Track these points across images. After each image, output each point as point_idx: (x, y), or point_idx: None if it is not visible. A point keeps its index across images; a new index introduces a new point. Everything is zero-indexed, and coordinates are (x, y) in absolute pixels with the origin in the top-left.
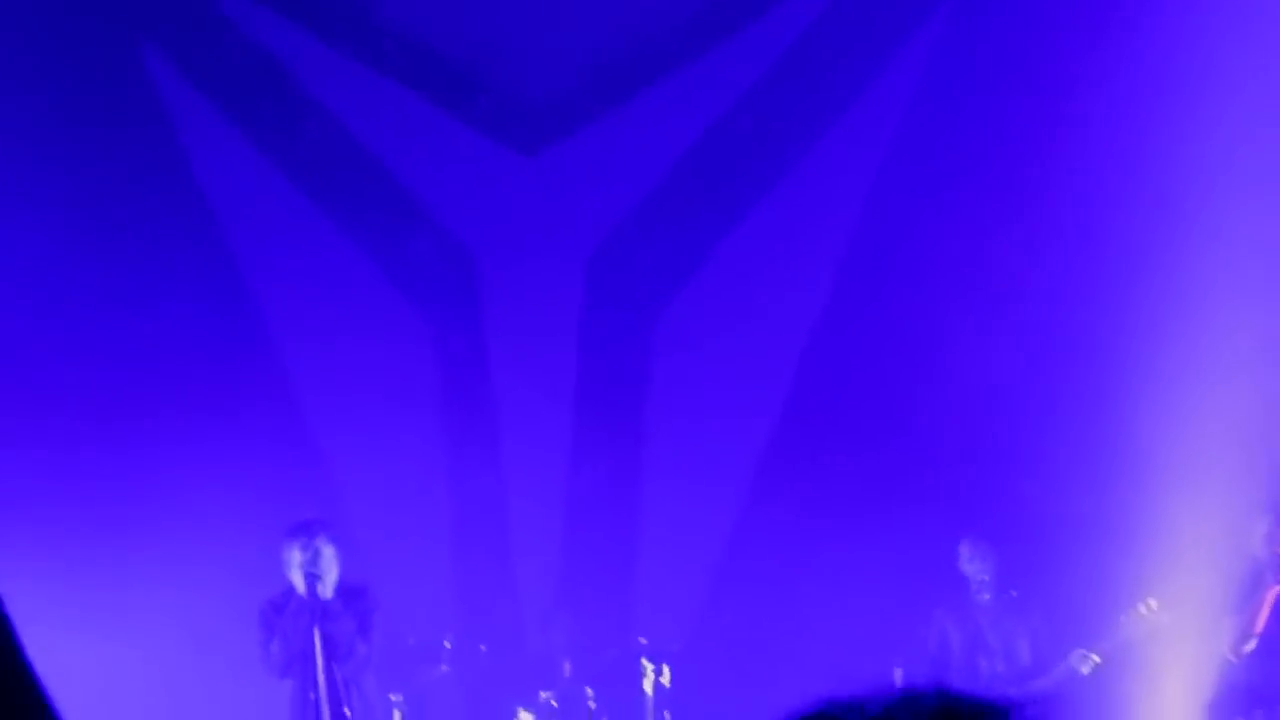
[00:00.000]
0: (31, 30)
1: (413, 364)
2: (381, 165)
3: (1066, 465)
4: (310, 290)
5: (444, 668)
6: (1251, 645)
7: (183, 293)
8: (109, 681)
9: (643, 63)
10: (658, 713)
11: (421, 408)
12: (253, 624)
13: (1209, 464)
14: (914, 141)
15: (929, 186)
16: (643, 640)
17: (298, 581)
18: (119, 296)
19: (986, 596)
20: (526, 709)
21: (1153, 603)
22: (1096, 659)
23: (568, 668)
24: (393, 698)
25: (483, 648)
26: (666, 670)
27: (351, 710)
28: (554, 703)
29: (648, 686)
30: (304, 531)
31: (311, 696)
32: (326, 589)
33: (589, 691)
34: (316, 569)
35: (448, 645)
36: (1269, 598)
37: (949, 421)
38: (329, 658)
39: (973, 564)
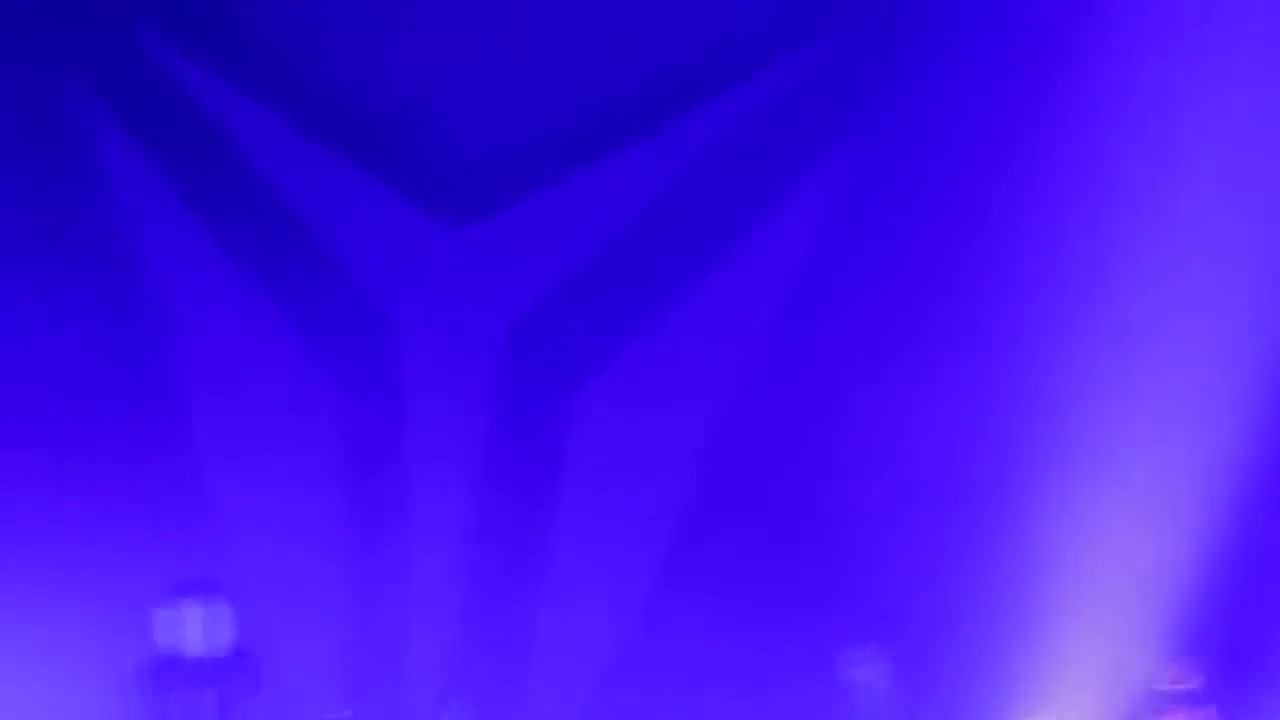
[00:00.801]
0: None
1: (322, 427)
2: (302, 222)
3: (966, 576)
4: (222, 343)
5: None
6: None
7: (91, 335)
8: None
9: (579, 139)
10: None
11: (327, 472)
12: (139, 683)
13: (1107, 590)
14: (840, 240)
15: (854, 283)
16: None
17: (188, 641)
18: (25, 329)
19: (876, 703)
20: None
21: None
22: None
23: None
24: None
25: None
26: None
27: None
28: None
29: None
30: (192, 592)
31: None
32: (218, 650)
33: None
34: (209, 630)
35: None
36: None
37: (853, 522)
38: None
39: (862, 671)
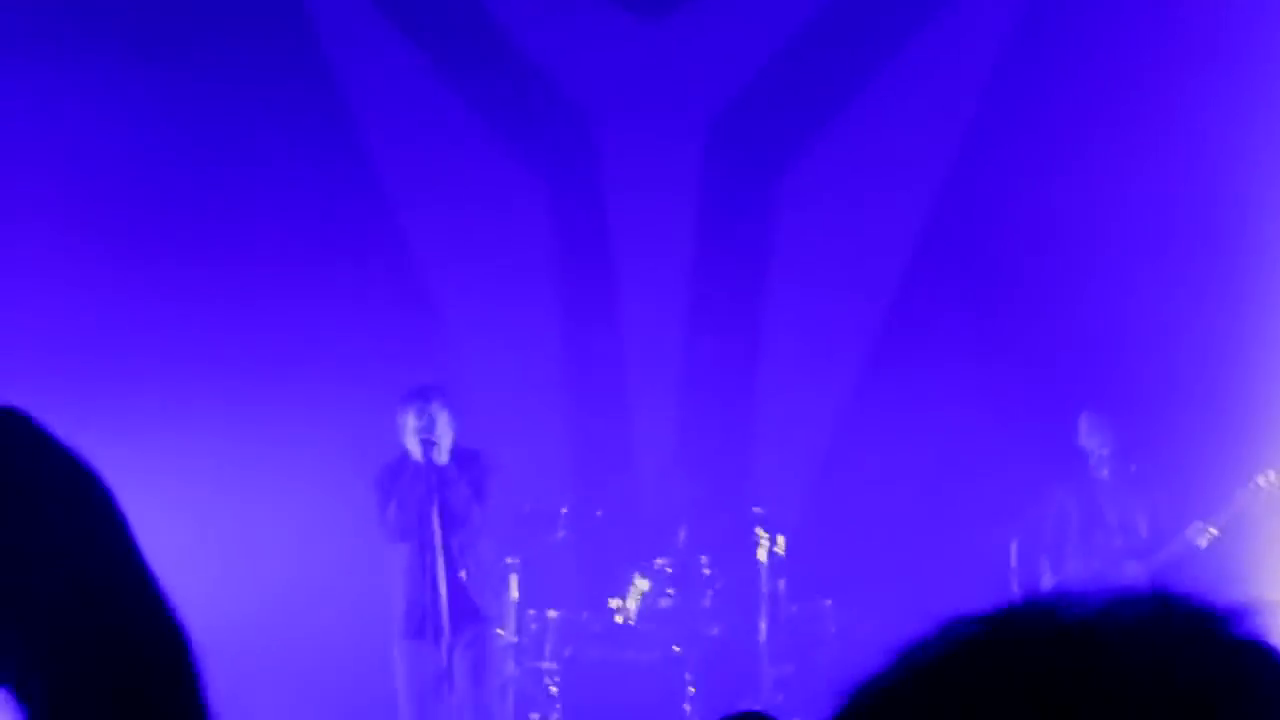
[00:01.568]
0: None
1: (530, 227)
2: (501, 25)
3: (1188, 337)
4: (428, 152)
5: (560, 533)
6: None
7: (299, 151)
8: (224, 542)
9: None
10: (772, 581)
11: (538, 271)
12: (369, 489)
13: None
14: (1048, 9)
15: (1062, 55)
16: (758, 509)
17: (413, 447)
18: (236, 154)
19: (1105, 471)
20: (642, 575)
21: (1272, 475)
22: (1215, 532)
23: (683, 535)
24: (508, 561)
25: (599, 513)
26: (781, 539)
27: (467, 571)
28: (669, 569)
29: (762, 555)
30: (420, 396)
31: (428, 561)
32: (442, 454)
33: (703, 559)
34: (432, 435)
35: (564, 511)
36: None
37: (1071, 294)
38: (445, 523)
39: (1092, 438)
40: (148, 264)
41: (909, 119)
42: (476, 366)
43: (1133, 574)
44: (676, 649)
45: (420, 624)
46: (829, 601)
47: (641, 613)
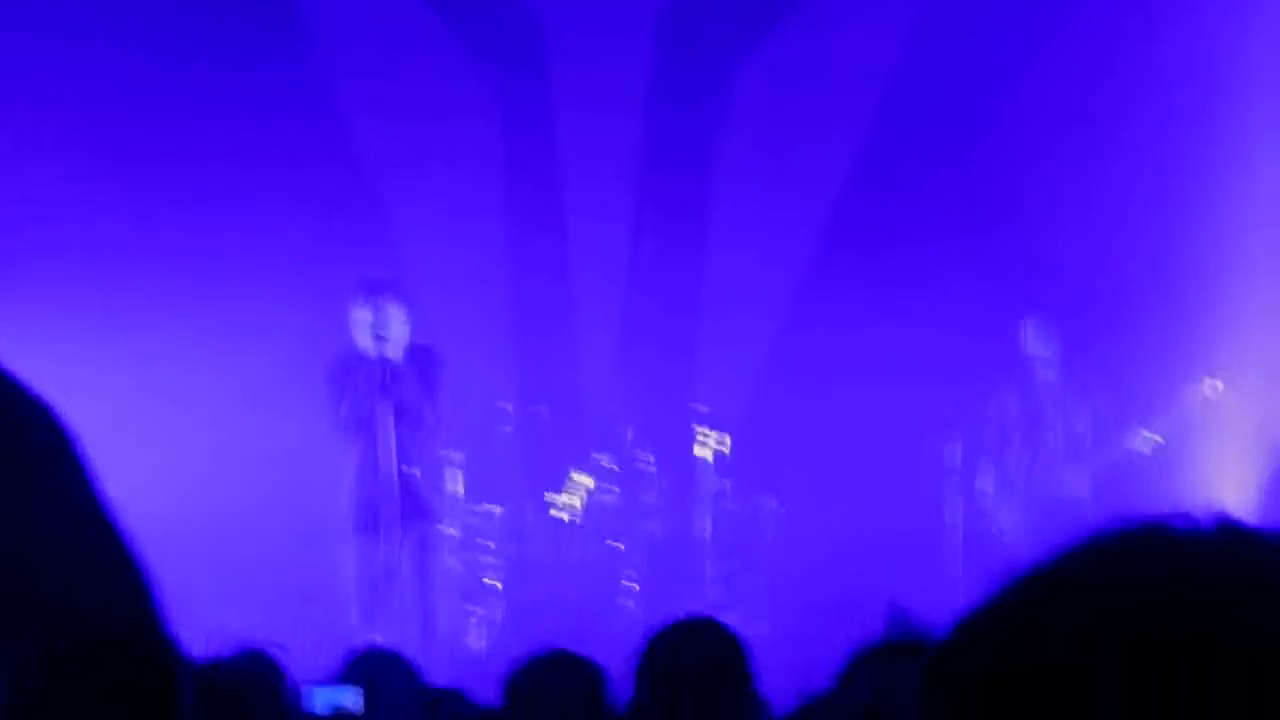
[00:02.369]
0: None
1: (478, 127)
2: None
3: (1133, 244)
4: (375, 51)
5: (505, 429)
6: None
7: (248, 54)
8: (175, 438)
9: None
10: (715, 479)
11: (486, 171)
12: (321, 384)
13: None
14: None
15: None
16: (703, 408)
17: (366, 342)
18: (184, 57)
19: (1049, 375)
20: (586, 472)
21: (1216, 382)
22: (1157, 438)
23: (629, 433)
24: (453, 456)
25: (543, 410)
26: (726, 438)
27: (417, 468)
28: (614, 467)
29: (707, 454)
30: (373, 292)
31: (380, 457)
32: (395, 349)
33: (649, 457)
34: (385, 330)
35: (508, 407)
36: None
37: (1015, 197)
38: (397, 418)
39: (1036, 343)
40: (99, 165)
41: (861, 17)
42: (425, 266)
43: (1074, 477)
44: (619, 545)
45: (370, 519)
46: (771, 500)
47: (584, 509)
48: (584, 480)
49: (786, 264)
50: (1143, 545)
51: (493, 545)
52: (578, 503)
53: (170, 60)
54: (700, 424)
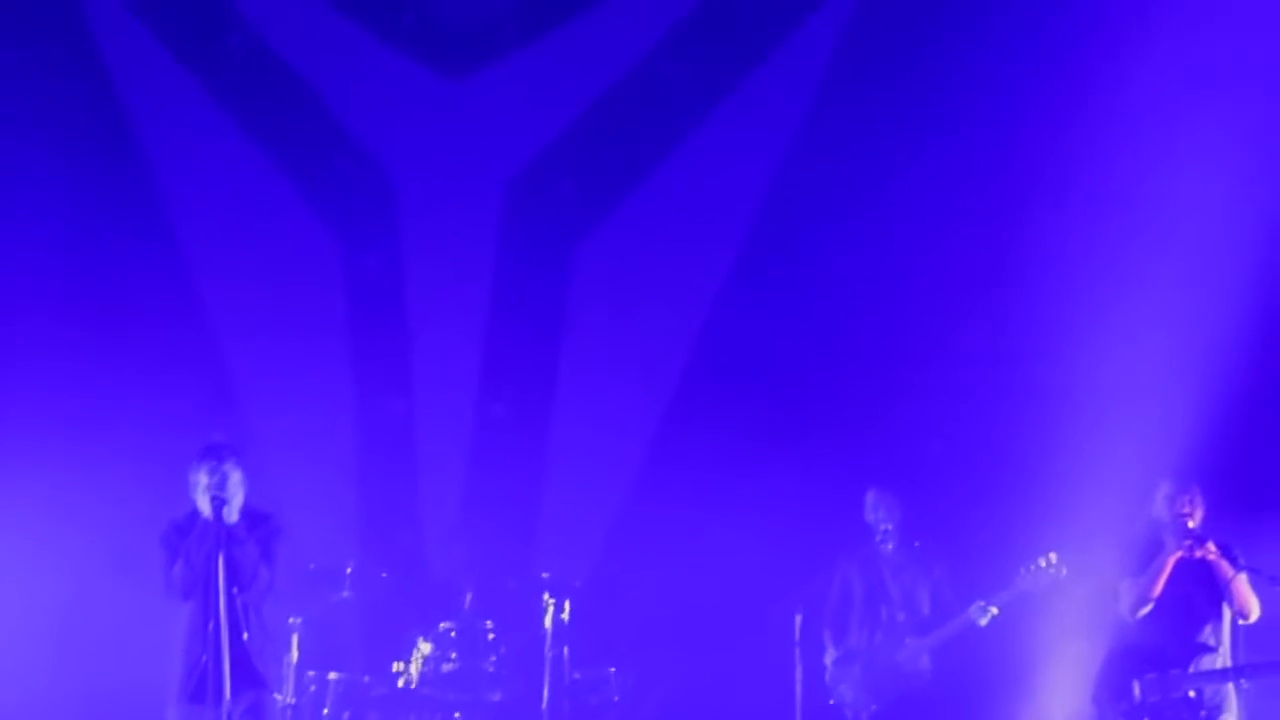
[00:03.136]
0: None
1: (326, 284)
2: (302, 81)
3: (974, 418)
4: (225, 204)
5: (345, 593)
6: (1148, 608)
7: (91, 202)
8: (4, 599)
9: None
10: (556, 647)
11: (333, 329)
12: (155, 545)
13: (1115, 424)
14: (839, 88)
15: (855, 131)
16: (545, 574)
17: (203, 505)
18: (29, 202)
19: (889, 546)
20: (426, 638)
21: (1053, 557)
22: (995, 611)
23: (469, 598)
24: (291, 621)
25: (384, 574)
26: (567, 605)
27: (250, 634)
28: (453, 633)
29: (548, 621)
30: (211, 455)
31: (210, 620)
32: (232, 513)
33: (488, 624)
34: (223, 493)
35: (349, 571)
36: (1168, 562)
37: (859, 371)
38: (230, 582)
39: (877, 513)
40: None
41: (707, 192)
42: (267, 422)
43: (914, 649)
44: (458, 715)
45: (199, 687)
46: (612, 669)
47: (424, 676)
48: (425, 647)
49: (631, 431)
50: None
51: (328, 712)
52: (417, 670)
53: (17, 212)
54: (543, 590)
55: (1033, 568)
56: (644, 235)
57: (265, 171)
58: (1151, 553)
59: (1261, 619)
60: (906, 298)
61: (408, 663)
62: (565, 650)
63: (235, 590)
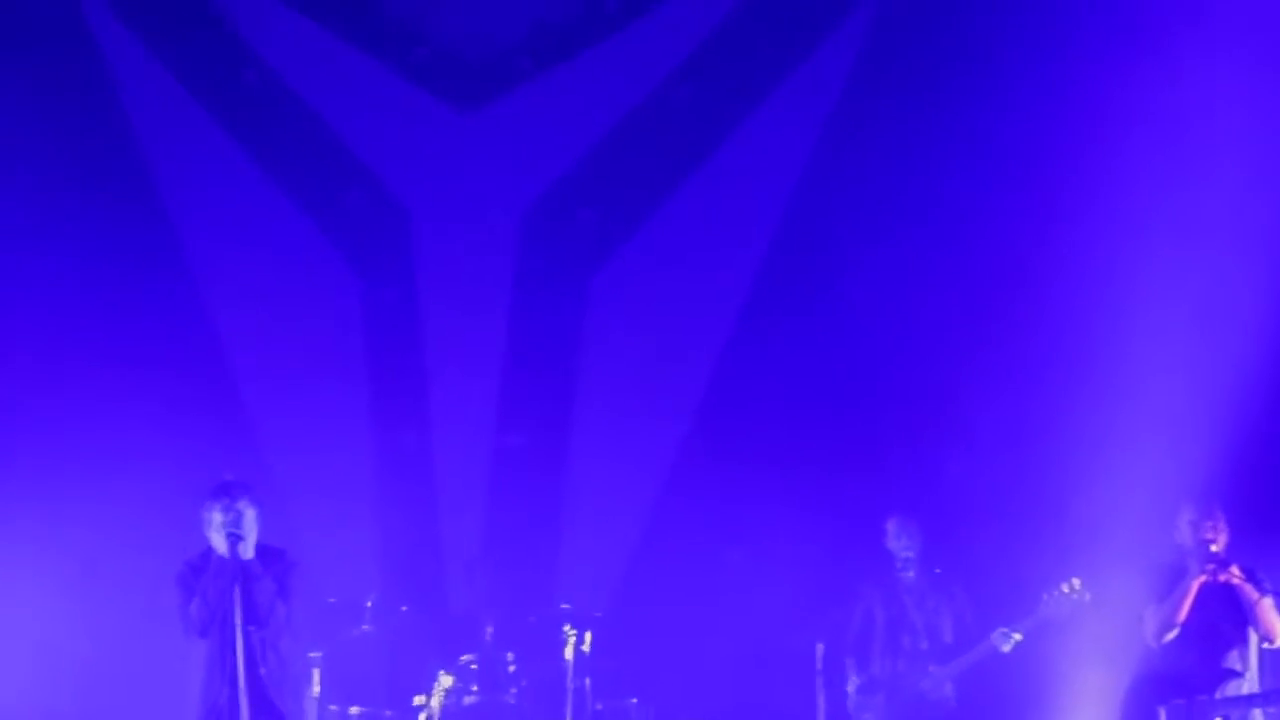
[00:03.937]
0: None
1: (342, 318)
2: (317, 116)
3: (995, 444)
4: (240, 240)
5: (365, 627)
6: (1174, 634)
7: (109, 238)
8: (21, 637)
9: (585, 23)
10: (578, 678)
11: (349, 363)
12: (171, 584)
13: (1138, 449)
14: (853, 115)
15: (871, 153)
16: (565, 606)
17: (218, 543)
18: (41, 238)
19: (911, 574)
20: (447, 671)
21: (1076, 583)
22: (1018, 637)
23: (489, 631)
24: (312, 655)
25: (404, 608)
26: (588, 636)
27: (267, 669)
28: (474, 666)
29: (568, 652)
30: (226, 493)
31: (228, 659)
32: (247, 550)
33: (509, 655)
34: (238, 530)
35: (369, 605)
36: (1193, 587)
37: (880, 398)
38: (247, 619)
39: (899, 540)
40: None
41: (721, 220)
42: (284, 456)
43: (937, 677)
44: None
45: None
46: (634, 700)
47: (446, 709)
48: (446, 680)
49: (650, 460)
50: None
51: None
52: (438, 703)
53: (36, 252)
54: (564, 622)
55: (1056, 594)
56: (661, 263)
57: (281, 206)
58: (1175, 578)
59: None
60: (926, 323)
61: (429, 696)
62: (587, 681)
63: (252, 627)
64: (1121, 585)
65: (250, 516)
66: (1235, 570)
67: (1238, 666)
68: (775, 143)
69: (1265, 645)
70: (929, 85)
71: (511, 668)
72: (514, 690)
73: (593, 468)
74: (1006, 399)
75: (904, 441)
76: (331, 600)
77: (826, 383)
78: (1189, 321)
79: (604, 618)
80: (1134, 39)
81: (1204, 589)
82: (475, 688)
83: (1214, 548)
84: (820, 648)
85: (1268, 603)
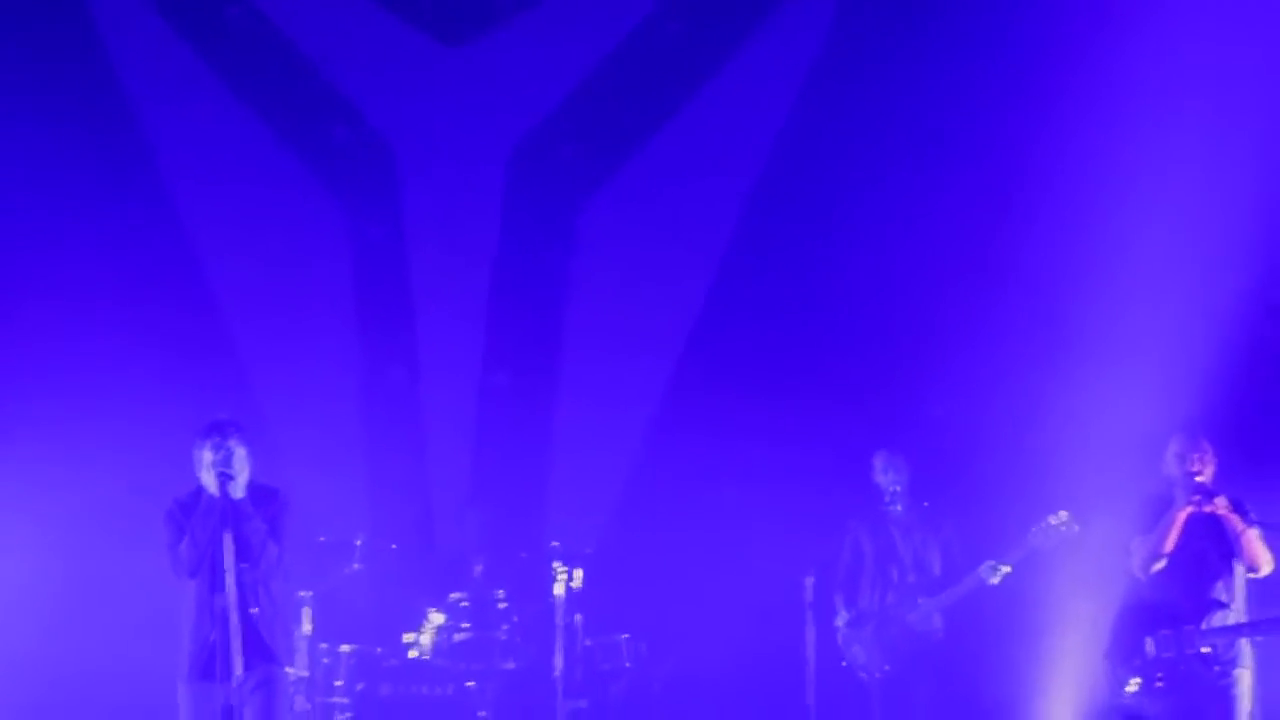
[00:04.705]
0: None
1: (329, 256)
2: (301, 52)
3: (982, 378)
4: (226, 179)
5: (355, 566)
6: (1160, 564)
7: (92, 178)
8: (9, 577)
9: None
10: (568, 615)
11: (337, 301)
12: (160, 522)
13: (1125, 380)
14: (841, 50)
15: (858, 91)
16: (555, 543)
17: (209, 482)
18: (29, 180)
19: (899, 507)
20: (437, 609)
21: (1063, 515)
22: (1006, 569)
23: (479, 569)
24: (302, 594)
25: (394, 546)
26: (578, 573)
27: (259, 609)
28: (465, 603)
29: (559, 589)
30: (216, 431)
31: (218, 598)
32: (238, 489)
33: (499, 593)
34: (229, 469)
35: (359, 544)
36: (1179, 518)
37: (868, 332)
38: (239, 558)
39: (886, 475)
40: None
41: (708, 157)
42: (273, 397)
43: (926, 609)
44: (471, 684)
45: (208, 664)
46: (625, 636)
47: (436, 647)
48: (436, 617)
49: (639, 397)
50: None
51: (342, 684)
52: (429, 640)
53: (22, 193)
54: (554, 559)
55: (1043, 525)
56: (648, 200)
57: (266, 144)
58: (1162, 509)
59: (1273, 573)
60: (912, 259)
61: (420, 633)
62: (577, 618)
63: (243, 566)
64: (1108, 516)
65: (241, 455)
66: (1222, 501)
67: (1224, 597)
68: (762, 78)
69: (1250, 575)
70: (919, 20)
71: (502, 605)
72: (505, 627)
73: (581, 405)
74: (993, 332)
75: (892, 375)
76: (321, 539)
77: (814, 318)
78: (1175, 250)
79: (594, 554)
80: None
81: (1190, 520)
82: (466, 625)
83: (1200, 479)
84: (809, 582)
85: (1254, 533)
